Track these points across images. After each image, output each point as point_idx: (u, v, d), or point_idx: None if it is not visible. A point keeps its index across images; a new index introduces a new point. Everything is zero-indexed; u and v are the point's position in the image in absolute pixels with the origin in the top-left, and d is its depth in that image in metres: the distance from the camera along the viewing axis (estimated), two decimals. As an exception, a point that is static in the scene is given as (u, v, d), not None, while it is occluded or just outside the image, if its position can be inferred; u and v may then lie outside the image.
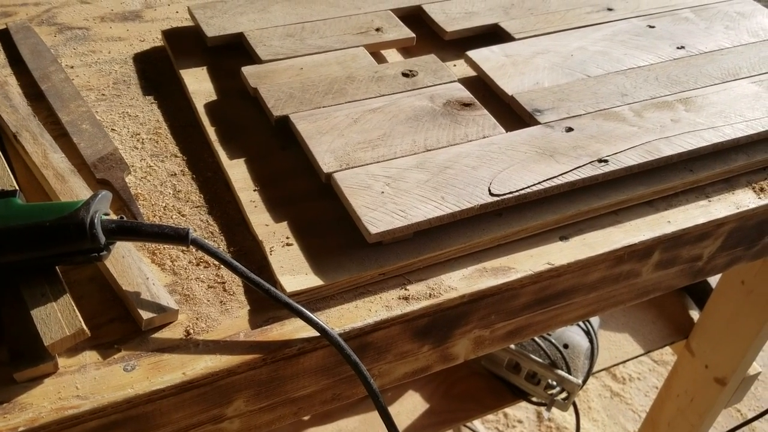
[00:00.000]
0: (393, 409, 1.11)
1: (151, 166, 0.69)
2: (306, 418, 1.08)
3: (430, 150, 0.69)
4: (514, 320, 0.68)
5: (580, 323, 1.18)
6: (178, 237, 0.54)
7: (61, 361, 0.52)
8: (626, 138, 0.72)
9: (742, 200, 0.73)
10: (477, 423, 1.71)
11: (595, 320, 1.22)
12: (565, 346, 1.12)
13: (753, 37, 0.91)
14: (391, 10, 0.90)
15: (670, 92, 0.79)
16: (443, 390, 1.14)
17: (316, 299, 0.58)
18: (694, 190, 0.73)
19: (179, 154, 0.71)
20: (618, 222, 0.69)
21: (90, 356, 0.53)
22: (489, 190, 0.64)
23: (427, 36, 0.89)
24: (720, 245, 0.76)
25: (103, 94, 0.78)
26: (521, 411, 1.75)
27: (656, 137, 0.72)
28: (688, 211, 0.71)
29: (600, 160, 0.69)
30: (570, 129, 0.73)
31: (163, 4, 0.94)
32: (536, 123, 0.74)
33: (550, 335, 1.13)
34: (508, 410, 1.75)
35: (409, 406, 1.12)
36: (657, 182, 0.71)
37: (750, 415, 1.79)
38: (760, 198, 0.73)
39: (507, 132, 0.72)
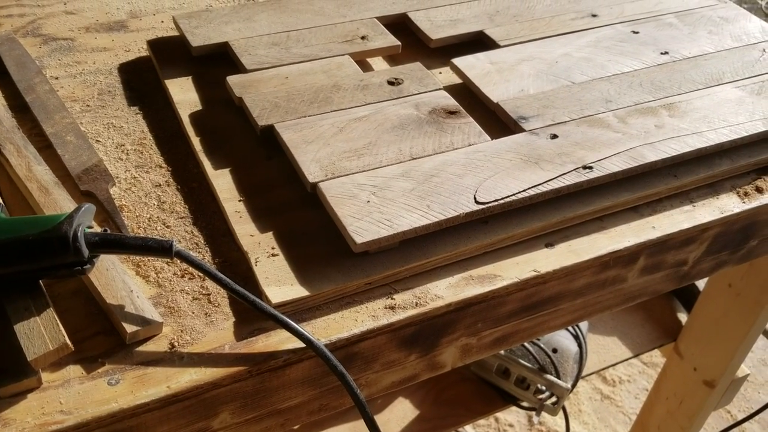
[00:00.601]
0: (383, 417, 1.11)
1: (135, 177, 0.69)
2: (295, 427, 1.08)
3: (415, 158, 0.69)
4: (501, 327, 0.68)
5: (569, 327, 1.18)
6: (161, 249, 0.54)
7: (45, 376, 0.52)
8: (611, 144, 0.72)
9: (727, 205, 0.73)
10: (468, 428, 1.71)
11: (583, 324, 1.22)
12: (554, 351, 1.13)
13: (736, 41, 0.92)
14: (377, 18, 0.90)
15: (654, 98, 0.80)
16: (433, 396, 1.14)
17: (302, 310, 0.58)
18: (679, 195, 0.74)
19: (164, 165, 0.71)
20: (603, 228, 0.69)
21: (74, 370, 0.52)
22: (474, 198, 0.65)
23: (412, 44, 0.89)
24: (705, 250, 0.76)
25: (88, 105, 0.77)
26: (512, 415, 1.75)
27: (640, 143, 0.73)
28: (672, 216, 0.71)
29: (585, 167, 0.69)
30: (555, 136, 0.73)
31: (149, 14, 0.94)
32: (521, 130, 0.74)
33: (539, 340, 1.13)
34: (499, 414, 1.75)
35: (400, 414, 1.12)
36: (641, 188, 0.71)
37: (740, 416, 1.80)
38: (744, 202, 0.74)
39: (492, 139, 0.72)
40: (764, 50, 0.90)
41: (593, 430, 1.77)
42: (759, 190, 0.75)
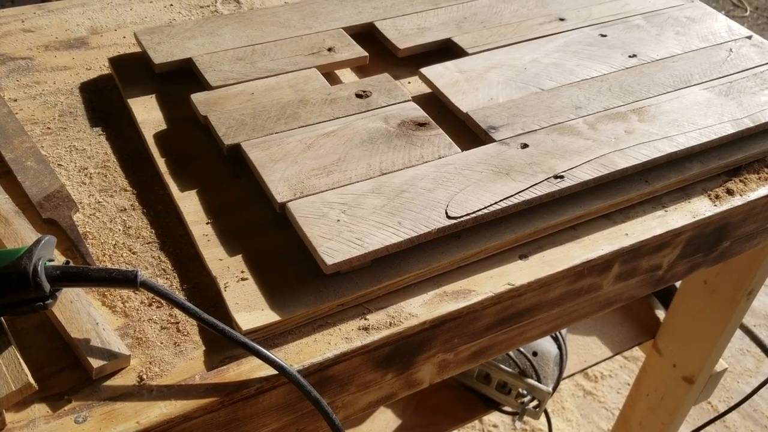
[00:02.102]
0: (365, 428, 1.10)
1: (99, 202, 0.67)
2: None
3: (385, 173, 0.68)
4: (478, 341, 0.67)
5: (549, 330, 1.18)
6: (126, 280, 0.52)
7: (9, 417, 0.50)
8: (581, 152, 0.72)
9: (699, 208, 0.73)
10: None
11: (563, 326, 1.22)
12: (534, 354, 1.13)
13: (703, 42, 0.92)
14: (343, 28, 0.89)
15: (624, 102, 0.80)
16: (415, 404, 1.13)
17: (273, 335, 0.57)
18: (651, 200, 0.73)
19: (129, 188, 0.69)
20: (576, 237, 0.69)
21: (39, 409, 0.51)
22: (446, 213, 0.64)
23: (380, 53, 0.88)
24: (679, 254, 0.76)
25: (49, 128, 0.75)
26: (496, 416, 1.75)
27: (611, 150, 0.73)
28: (645, 222, 0.71)
29: (556, 176, 0.69)
30: (525, 145, 0.72)
31: (110, 30, 0.92)
32: (491, 140, 0.73)
33: (519, 344, 1.13)
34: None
35: (382, 423, 1.11)
36: (613, 195, 0.71)
37: (721, 407, 1.82)
38: (715, 205, 0.74)
39: (463, 151, 0.72)
40: (731, 50, 0.90)
41: (577, 427, 1.77)
42: (730, 192, 0.76)
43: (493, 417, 1.76)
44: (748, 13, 3.81)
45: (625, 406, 1.39)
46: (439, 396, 1.14)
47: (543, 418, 1.65)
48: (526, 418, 1.75)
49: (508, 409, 1.14)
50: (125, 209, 0.67)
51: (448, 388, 1.15)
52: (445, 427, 1.11)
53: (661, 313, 1.29)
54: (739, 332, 2.03)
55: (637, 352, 1.94)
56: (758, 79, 0.85)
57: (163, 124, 0.75)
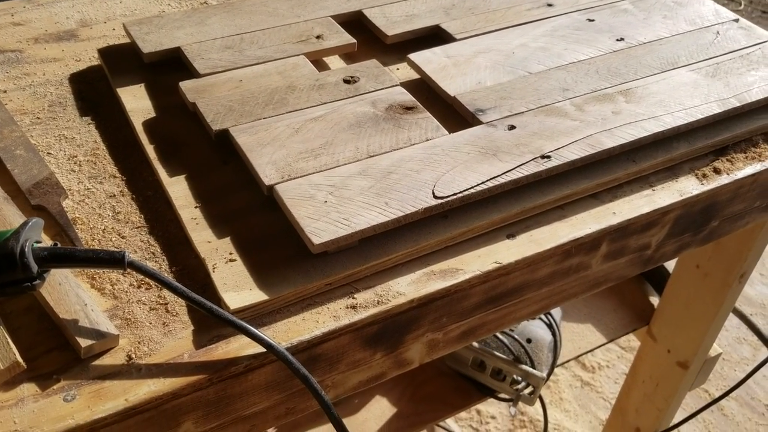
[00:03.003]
0: (360, 416, 1.11)
1: (89, 189, 0.68)
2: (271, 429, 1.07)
3: (373, 156, 0.68)
4: (467, 321, 0.68)
5: (542, 317, 1.18)
6: (114, 261, 0.53)
7: (-2, 396, 0.50)
8: (568, 133, 0.72)
9: (686, 187, 0.74)
10: (450, 422, 1.71)
11: (556, 313, 1.23)
12: (528, 341, 1.13)
13: (690, 25, 0.92)
14: (331, 16, 0.89)
15: (611, 84, 0.80)
16: (410, 393, 1.14)
17: (262, 314, 0.58)
18: (638, 180, 0.74)
19: (118, 175, 0.70)
20: (564, 216, 0.69)
21: (28, 388, 0.51)
22: (433, 193, 0.64)
23: (369, 41, 0.89)
24: (667, 233, 0.77)
25: (38, 118, 0.76)
26: (494, 407, 1.76)
27: (598, 130, 0.73)
28: (632, 201, 0.71)
29: (543, 157, 0.69)
30: (512, 127, 0.73)
31: (99, 22, 0.92)
32: (479, 123, 0.74)
33: (512, 330, 1.13)
34: (481, 407, 1.75)
35: (377, 412, 1.11)
36: (600, 175, 0.71)
37: (718, 395, 1.82)
38: (702, 184, 0.74)
39: (450, 133, 0.72)
40: (717, 33, 0.91)
41: (575, 417, 1.78)
42: (717, 171, 0.76)
43: (491, 408, 1.76)
44: (742, 6, 3.82)
45: (621, 393, 1.40)
46: (434, 384, 1.15)
47: (539, 408, 1.65)
48: (523, 408, 1.76)
49: (503, 395, 1.14)
50: (114, 195, 0.67)
51: (444, 376, 1.15)
52: (440, 414, 1.11)
53: (655, 300, 1.30)
54: (736, 321, 2.03)
55: (635, 342, 1.95)
56: (745, 61, 0.86)
57: (152, 112, 0.76)
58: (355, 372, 0.63)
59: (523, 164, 0.68)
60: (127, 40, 0.86)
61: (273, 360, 0.56)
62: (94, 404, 0.50)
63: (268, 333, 0.56)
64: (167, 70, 0.81)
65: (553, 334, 1.16)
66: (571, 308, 1.30)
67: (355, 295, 0.60)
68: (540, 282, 0.70)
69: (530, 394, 1.12)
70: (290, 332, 0.57)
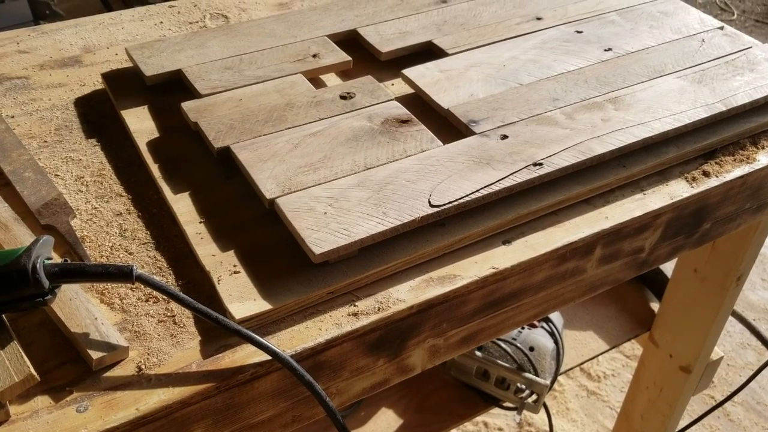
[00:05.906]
0: (367, 429, 1.12)
1: (96, 208, 0.70)
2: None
3: (370, 168, 0.71)
4: (466, 326, 0.69)
5: (544, 325, 1.20)
6: (122, 274, 0.55)
7: (13, 409, 0.52)
8: (559, 140, 0.74)
9: (676, 190, 0.76)
10: (457, 434, 1.71)
11: (558, 321, 1.24)
12: (531, 349, 1.14)
13: (676, 34, 0.95)
14: (327, 35, 0.92)
15: (600, 93, 0.82)
16: (416, 404, 1.15)
17: (266, 323, 0.59)
18: (629, 184, 0.76)
19: (124, 194, 0.72)
20: (558, 222, 0.71)
21: (42, 401, 0.53)
22: (429, 202, 0.66)
23: (364, 58, 0.91)
24: (660, 236, 0.78)
25: (46, 141, 0.78)
26: (501, 419, 1.76)
27: (588, 137, 0.75)
28: (624, 205, 0.73)
29: (535, 164, 0.71)
30: (505, 136, 0.75)
31: (102, 48, 0.95)
32: (472, 133, 0.76)
33: (515, 339, 1.15)
34: (488, 419, 1.76)
35: (384, 424, 1.13)
36: (592, 180, 0.73)
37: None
38: (692, 187, 0.76)
39: (445, 144, 0.74)
40: (703, 40, 0.93)
41: (582, 427, 1.78)
42: (706, 174, 0.78)
43: (498, 420, 1.76)
44: (735, 16, 3.86)
45: (626, 400, 1.40)
46: (439, 395, 1.16)
47: (545, 417, 1.66)
48: (531, 418, 1.77)
49: (507, 404, 1.15)
50: (121, 213, 0.69)
51: (448, 387, 1.17)
52: (446, 425, 1.12)
53: (655, 306, 1.31)
54: (739, 326, 2.04)
55: (639, 350, 1.96)
56: (730, 66, 0.88)
57: (156, 132, 0.78)
58: (359, 378, 0.65)
59: (516, 172, 0.70)
60: (130, 64, 0.89)
61: (278, 367, 0.57)
62: (106, 414, 0.52)
63: (272, 341, 0.57)
64: (169, 91, 0.83)
65: (556, 342, 1.18)
66: (573, 316, 1.31)
67: (356, 303, 0.61)
68: (537, 286, 0.71)
69: (534, 401, 1.13)
70: (294, 340, 0.58)
